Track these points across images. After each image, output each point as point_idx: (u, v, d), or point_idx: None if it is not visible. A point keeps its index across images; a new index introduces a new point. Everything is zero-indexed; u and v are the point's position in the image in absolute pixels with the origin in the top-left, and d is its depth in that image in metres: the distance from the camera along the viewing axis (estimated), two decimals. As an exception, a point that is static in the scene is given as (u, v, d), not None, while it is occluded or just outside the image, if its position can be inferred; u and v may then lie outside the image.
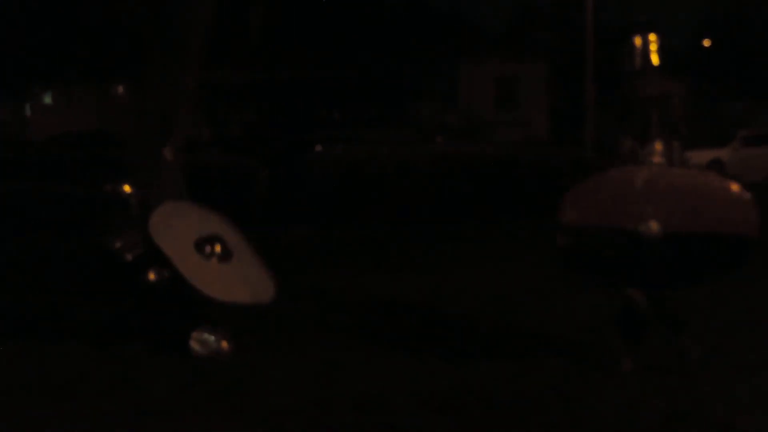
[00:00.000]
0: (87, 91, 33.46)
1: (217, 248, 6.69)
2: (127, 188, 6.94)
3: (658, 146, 5.93)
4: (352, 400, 5.44)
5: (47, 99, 36.84)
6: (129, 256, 6.73)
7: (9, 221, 12.49)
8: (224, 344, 6.46)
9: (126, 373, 6.02)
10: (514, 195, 14.96)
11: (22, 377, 5.98)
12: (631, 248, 5.69)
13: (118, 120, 26.92)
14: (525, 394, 5.50)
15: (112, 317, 7.24)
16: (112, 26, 23.47)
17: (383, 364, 6.23)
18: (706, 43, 43.70)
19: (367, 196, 14.70)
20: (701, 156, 23.80)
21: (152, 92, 8.62)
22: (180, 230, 6.71)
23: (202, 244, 6.66)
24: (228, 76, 31.81)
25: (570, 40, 34.22)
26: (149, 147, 8.26)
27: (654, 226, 5.64)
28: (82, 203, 11.71)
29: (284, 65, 33.97)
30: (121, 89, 32.76)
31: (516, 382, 5.75)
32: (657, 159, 5.93)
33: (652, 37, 6.11)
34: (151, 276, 6.64)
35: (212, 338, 6.46)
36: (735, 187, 5.79)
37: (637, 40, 6.11)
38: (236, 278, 6.68)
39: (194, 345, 6.43)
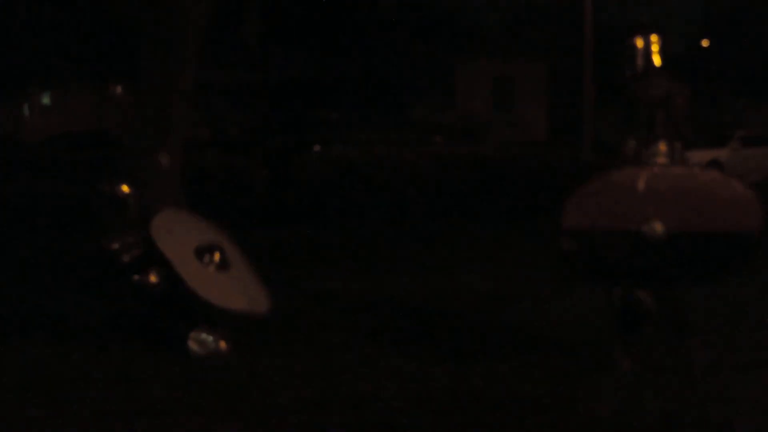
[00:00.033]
0: (85, 91, 33.43)
1: (216, 257, 6.76)
2: (124, 188, 6.93)
3: (662, 147, 5.92)
4: (350, 400, 5.45)
5: (45, 99, 36.81)
6: (126, 257, 6.73)
7: (8, 221, 12.48)
8: (222, 344, 6.47)
9: (124, 373, 6.03)
10: (513, 195, 14.95)
11: (22, 377, 5.99)
12: (635, 249, 5.68)
13: (116, 120, 26.87)
14: (524, 394, 5.51)
15: (110, 317, 7.25)
16: (109, 26, 23.45)
17: (382, 364, 6.23)
18: (705, 43, 43.71)
19: (365, 196, 14.70)
20: (699, 156, 23.75)
21: (149, 92, 8.63)
22: (180, 237, 6.78)
23: (201, 252, 6.72)
24: (226, 76, 31.83)
25: (569, 39, 34.21)
26: (147, 147, 8.27)
27: (658, 226, 5.64)
28: (79, 203, 11.70)
29: (282, 65, 33.97)
30: (119, 89, 32.72)
31: (515, 382, 5.75)
32: (661, 160, 5.92)
33: (654, 38, 6.10)
34: (151, 278, 6.64)
35: (210, 338, 6.46)
36: (737, 184, 5.80)
37: (639, 42, 6.10)
38: (234, 287, 6.76)
39: (192, 345, 6.44)
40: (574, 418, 5.10)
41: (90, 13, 25.26)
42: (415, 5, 38.82)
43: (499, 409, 5.25)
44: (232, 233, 7.09)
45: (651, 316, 5.97)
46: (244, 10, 33.57)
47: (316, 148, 19.85)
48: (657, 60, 6.09)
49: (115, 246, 6.75)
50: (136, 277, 6.68)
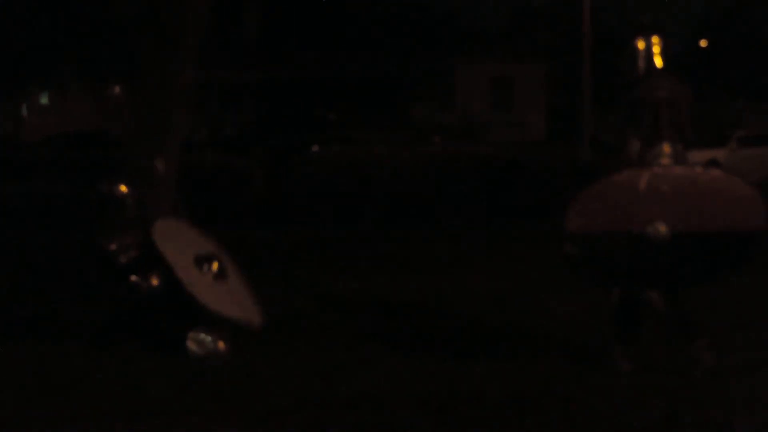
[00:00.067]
0: (83, 91, 33.44)
1: (215, 266, 6.83)
2: (123, 188, 6.93)
3: (666, 148, 5.91)
4: (350, 400, 5.44)
5: (43, 99, 36.82)
6: (124, 258, 6.73)
7: (6, 221, 12.47)
8: (221, 344, 6.46)
9: (124, 373, 6.02)
10: (512, 195, 14.94)
11: (22, 377, 5.98)
12: (640, 251, 5.68)
13: (114, 120, 26.91)
14: (523, 394, 5.50)
15: (109, 318, 7.23)
16: (108, 25, 23.45)
17: (382, 364, 6.22)
18: (703, 43, 43.74)
19: (364, 196, 14.69)
20: (698, 156, 23.74)
21: (148, 92, 8.62)
22: (181, 244, 6.84)
23: (200, 260, 6.79)
24: (225, 76, 31.83)
25: (568, 40, 34.23)
26: (145, 147, 8.26)
27: (661, 227, 5.63)
28: (78, 203, 11.69)
29: (281, 65, 33.99)
30: (117, 89, 32.76)
31: (514, 382, 5.75)
32: (665, 161, 5.91)
33: (656, 39, 6.09)
34: (149, 280, 6.65)
35: (209, 338, 6.45)
36: (740, 183, 5.80)
37: (640, 44, 6.10)
38: (230, 297, 6.82)
39: (191, 345, 6.43)
40: (574, 418, 5.10)
41: (89, 13, 25.25)
42: (416, 6, 38.84)
43: (498, 410, 5.24)
44: (230, 233, 7.10)
45: (656, 317, 5.96)
46: (244, 11, 33.60)
47: (315, 148, 19.86)
48: (659, 62, 6.09)
49: (113, 246, 6.75)
50: (133, 278, 6.69)
